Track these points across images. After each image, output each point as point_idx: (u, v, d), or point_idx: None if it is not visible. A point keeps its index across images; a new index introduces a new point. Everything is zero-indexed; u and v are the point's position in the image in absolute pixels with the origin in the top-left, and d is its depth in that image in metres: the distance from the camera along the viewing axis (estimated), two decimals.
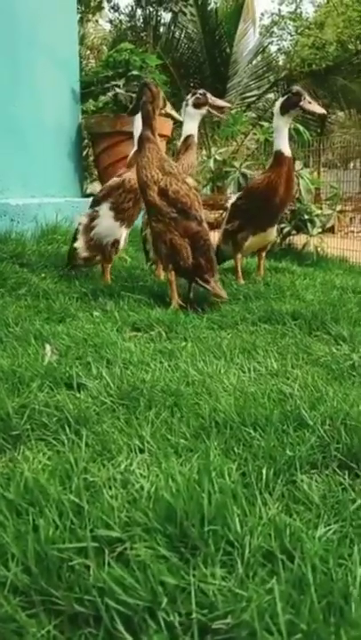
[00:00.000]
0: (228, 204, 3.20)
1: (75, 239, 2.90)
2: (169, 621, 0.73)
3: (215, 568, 0.83)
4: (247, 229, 3.05)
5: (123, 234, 2.89)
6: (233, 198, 3.19)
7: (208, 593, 0.78)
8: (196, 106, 3.02)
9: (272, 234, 3.14)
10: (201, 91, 3.07)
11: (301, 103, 2.84)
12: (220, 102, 3.15)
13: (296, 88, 2.91)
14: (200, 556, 0.85)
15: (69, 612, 0.78)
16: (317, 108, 2.97)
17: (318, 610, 0.71)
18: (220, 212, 5.58)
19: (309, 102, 2.87)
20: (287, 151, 2.91)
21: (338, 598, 0.74)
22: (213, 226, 5.46)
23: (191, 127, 3.08)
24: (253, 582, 0.78)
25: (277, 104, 2.93)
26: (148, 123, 2.53)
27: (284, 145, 2.91)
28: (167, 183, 2.48)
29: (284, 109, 2.88)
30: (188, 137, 3.08)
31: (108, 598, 0.76)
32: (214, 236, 4.46)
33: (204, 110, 3.05)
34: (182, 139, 3.12)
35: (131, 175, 2.77)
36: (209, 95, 3.05)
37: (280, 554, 0.84)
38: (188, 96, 3.08)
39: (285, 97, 2.89)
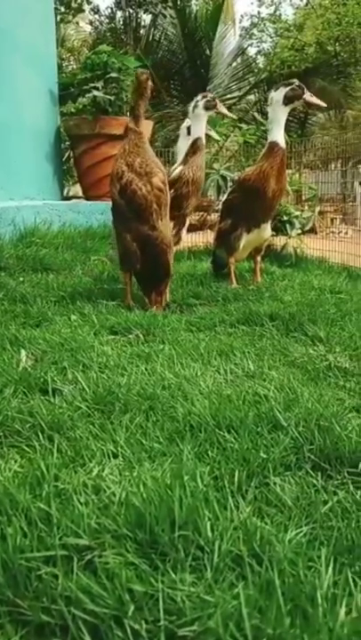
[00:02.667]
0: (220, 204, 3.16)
1: None
2: (135, 629, 0.73)
3: (184, 574, 0.83)
4: (241, 226, 2.94)
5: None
6: (225, 196, 3.12)
7: (176, 599, 0.78)
8: (207, 108, 3.10)
9: (267, 230, 3.03)
10: (210, 95, 3.18)
11: (305, 96, 2.85)
12: (225, 111, 3.26)
13: (297, 81, 2.92)
14: (170, 562, 0.85)
15: (36, 622, 0.77)
16: (320, 102, 3.02)
17: (285, 614, 0.71)
18: (202, 213, 5.60)
19: (311, 95, 2.90)
20: (282, 142, 2.86)
21: (304, 601, 0.74)
22: (196, 227, 5.47)
23: (199, 130, 3.17)
24: (221, 587, 0.78)
25: (279, 94, 2.84)
26: (133, 113, 2.52)
27: (280, 136, 2.85)
28: (128, 181, 2.41)
29: (288, 100, 2.84)
30: (197, 139, 3.16)
31: (75, 607, 0.76)
32: (197, 238, 4.46)
33: (211, 112, 3.17)
34: (191, 141, 3.18)
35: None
36: (217, 101, 3.17)
37: (249, 558, 0.84)
38: (199, 97, 3.17)
39: (290, 88, 2.83)
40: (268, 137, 2.92)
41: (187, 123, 3.47)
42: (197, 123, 3.18)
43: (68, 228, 3.93)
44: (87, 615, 0.75)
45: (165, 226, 2.49)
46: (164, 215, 2.48)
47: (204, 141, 3.22)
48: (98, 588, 0.78)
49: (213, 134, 3.56)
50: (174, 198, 3.23)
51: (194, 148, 3.16)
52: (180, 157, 3.43)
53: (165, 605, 0.77)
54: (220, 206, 3.17)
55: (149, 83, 2.50)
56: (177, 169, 3.27)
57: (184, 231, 3.43)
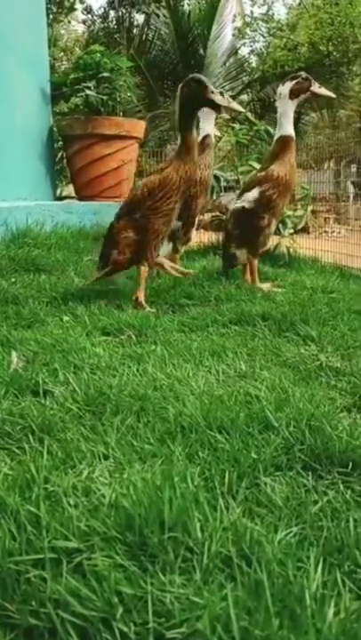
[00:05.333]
0: (239, 204, 3.00)
1: None
2: (124, 631, 0.73)
3: (174, 575, 0.83)
4: (273, 223, 2.97)
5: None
6: (253, 193, 2.93)
7: (165, 601, 0.78)
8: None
9: None
10: (218, 90, 3.12)
11: (312, 88, 2.90)
12: (235, 105, 3.21)
13: (305, 74, 2.96)
14: (159, 564, 0.85)
15: (24, 626, 0.77)
16: (328, 92, 3.08)
17: (273, 615, 0.71)
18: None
19: (319, 87, 2.95)
20: (294, 135, 2.95)
21: (293, 602, 0.74)
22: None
23: (208, 127, 3.14)
24: (210, 589, 0.78)
25: (285, 88, 2.89)
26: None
27: (291, 129, 2.92)
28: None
29: (294, 94, 2.89)
30: (206, 137, 3.14)
31: (63, 610, 0.75)
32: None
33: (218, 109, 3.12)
34: (200, 139, 3.17)
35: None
36: (226, 96, 3.10)
37: (238, 559, 0.84)
38: None
39: (295, 81, 2.88)
40: (279, 131, 2.95)
41: None
42: (205, 120, 3.16)
43: (60, 229, 3.91)
44: (75, 618, 0.75)
45: None
46: None
47: (213, 139, 3.20)
48: (86, 590, 0.78)
49: (235, 106, 3.41)
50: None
51: (203, 146, 3.16)
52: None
53: (154, 607, 0.76)
54: (236, 204, 3.05)
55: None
56: None
57: (193, 231, 3.42)
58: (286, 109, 2.89)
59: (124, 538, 0.89)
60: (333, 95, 3.27)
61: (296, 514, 1.01)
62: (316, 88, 2.92)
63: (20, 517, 0.93)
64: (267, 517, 1.00)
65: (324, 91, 2.99)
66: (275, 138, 3.01)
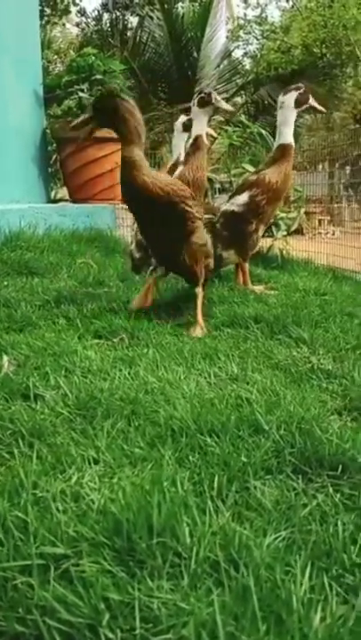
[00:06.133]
0: (230, 207, 3.02)
1: (131, 242, 3.24)
2: (110, 638, 0.72)
3: (162, 581, 0.82)
4: (261, 228, 3.04)
5: None
6: (243, 196, 2.96)
7: (153, 607, 0.77)
8: (202, 105, 2.98)
9: None
10: (207, 90, 3.11)
11: (310, 101, 3.01)
12: (224, 105, 3.19)
13: (303, 86, 3.07)
14: (147, 569, 0.85)
15: (11, 633, 0.76)
16: (321, 108, 3.23)
17: (260, 620, 0.71)
18: None
19: (313, 100, 3.06)
20: (293, 144, 3.02)
21: (280, 607, 0.74)
22: None
23: (199, 128, 3.10)
24: (197, 595, 0.78)
25: (290, 98, 2.96)
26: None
27: (292, 138, 2.99)
28: None
29: (299, 104, 2.98)
30: (197, 138, 3.11)
31: (50, 617, 0.75)
32: None
33: (208, 109, 3.02)
34: (191, 140, 3.14)
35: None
36: (214, 95, 3.07)
37: (226, 564, 0.84)
38: (195, 96, 3.13)
39: (299, 92, 2.97)
40: (279, 139, 3.01)
41: (181, 119, 3.44)
42: (196, 121, 3.13)
43: (53, 232, 3.90)
44: (62, 625, 0.75)
45: None
46: None
47: (205, 139, 3.17)
48: (73, 597, 0.77)
49: (224, 105, 3.32)
50: None
51: (193, 148, 3.13)
52: (175, 154, 3.41)
53: (141, 613, 0.76)
54: (226, 207, 3.05)
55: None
56: (177, 171, 3.25)
57: None
58: (288, 118, 2.97)
59: (113, 543, 0.89)
60: (324, 110, 3.46)
61: (285, 517, 1.01)
62: (313, 102, 3.03)
63: (8, 523, 0.93)
64: (256, 521, 1.00)
65: (318, 105, 3.13)
66: (275, 145, 3.06)
